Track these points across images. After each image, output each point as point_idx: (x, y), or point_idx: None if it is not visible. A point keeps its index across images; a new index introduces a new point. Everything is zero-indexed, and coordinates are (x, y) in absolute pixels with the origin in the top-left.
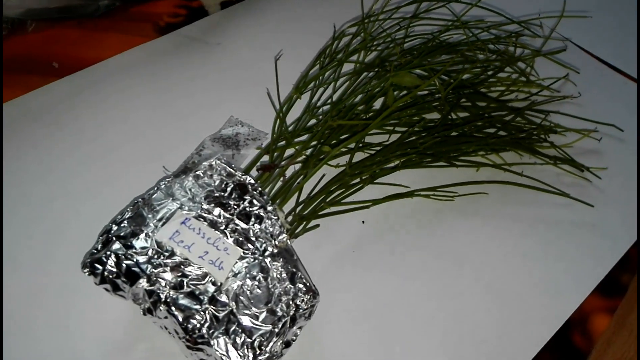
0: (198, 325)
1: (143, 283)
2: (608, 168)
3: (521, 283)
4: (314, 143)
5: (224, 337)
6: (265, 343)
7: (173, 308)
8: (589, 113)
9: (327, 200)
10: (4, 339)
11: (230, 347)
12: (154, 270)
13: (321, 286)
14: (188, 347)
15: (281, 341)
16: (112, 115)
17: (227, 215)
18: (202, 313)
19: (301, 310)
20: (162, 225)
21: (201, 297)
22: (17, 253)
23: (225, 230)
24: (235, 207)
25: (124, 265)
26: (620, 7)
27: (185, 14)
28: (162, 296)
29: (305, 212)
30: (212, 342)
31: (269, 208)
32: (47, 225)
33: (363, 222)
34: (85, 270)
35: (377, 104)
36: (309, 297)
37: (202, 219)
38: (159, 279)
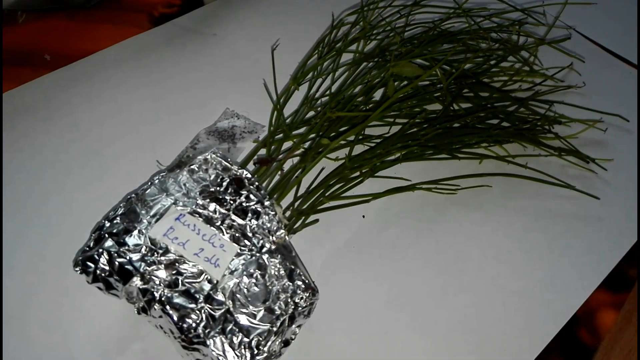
0: (194, 325)
1: (136, 281)
2: (614, 159)
3: (526, 278)
4: (312, 135)
5: (221, 336)
6: (263, 342)
7: (168, 307)
8: (594, 103)
9: (326, 194)
10: None
11: (227, 347)
12: (147, 268)
13: (320, 283)
14: (184, 347)
15: (280, 340)
16: (105, 109)
17: (223, 210)
18: (197, 312)
19: (300, 308)
20: (156, 221)
21: (197, 295)
22: (9, 250)
23: (221, 227)
24: (232, 202)
25: (116, 263)
26: None
27: (180, 4)
28: (157, 295)
29: (304, 207)
30: (208, 342)
31: (266, 203)
32: (39, 221)
33: (363, 216)
34: (77, 269)
35: (377, 94)
36: (308, 294)
37: (197, 215)
38: (153, 277)
